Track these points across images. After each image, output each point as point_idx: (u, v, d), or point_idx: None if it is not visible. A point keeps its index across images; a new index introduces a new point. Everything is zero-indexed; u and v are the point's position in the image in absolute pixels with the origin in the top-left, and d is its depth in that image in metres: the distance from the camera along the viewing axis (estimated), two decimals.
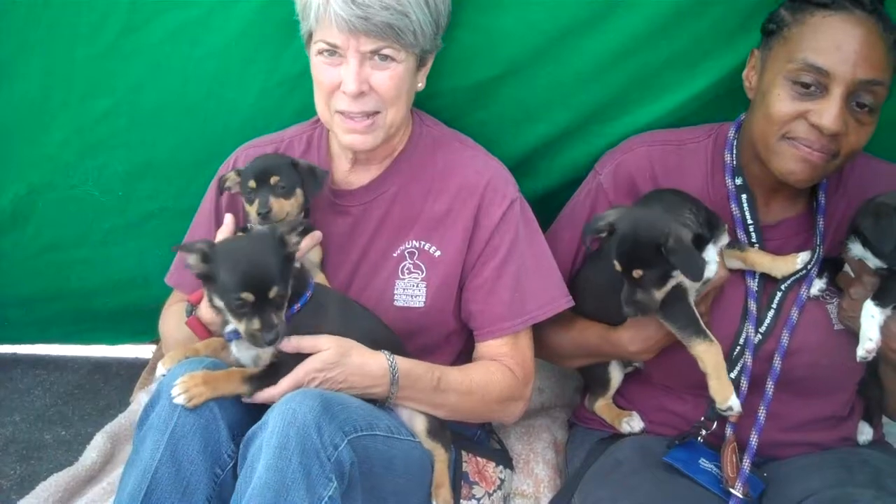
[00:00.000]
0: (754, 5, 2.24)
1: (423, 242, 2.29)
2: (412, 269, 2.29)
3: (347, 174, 2.34)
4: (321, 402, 1.89)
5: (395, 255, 2.30)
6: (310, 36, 2.16)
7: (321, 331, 2.05)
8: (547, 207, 2.45)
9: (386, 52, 2.10)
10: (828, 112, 2.02)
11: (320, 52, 2.13)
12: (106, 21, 2.45)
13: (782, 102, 2.07)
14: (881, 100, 2.05)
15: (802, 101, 2.05)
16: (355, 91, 2.10)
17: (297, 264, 2.03)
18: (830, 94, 2.02)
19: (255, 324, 1.90)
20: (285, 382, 1.99)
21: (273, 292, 1.89)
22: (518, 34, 2.33)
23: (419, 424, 2.19)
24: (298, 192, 2.19)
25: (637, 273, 2.04)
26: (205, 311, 2.12)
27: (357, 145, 2.21)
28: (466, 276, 2.30)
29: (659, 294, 2.08)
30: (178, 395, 1.91)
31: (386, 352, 2.12)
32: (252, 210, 2.16)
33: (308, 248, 2.20)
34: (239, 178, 2.22)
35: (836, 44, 2.01)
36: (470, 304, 2.30)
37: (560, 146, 2.56)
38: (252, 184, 2.16)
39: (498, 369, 2.27)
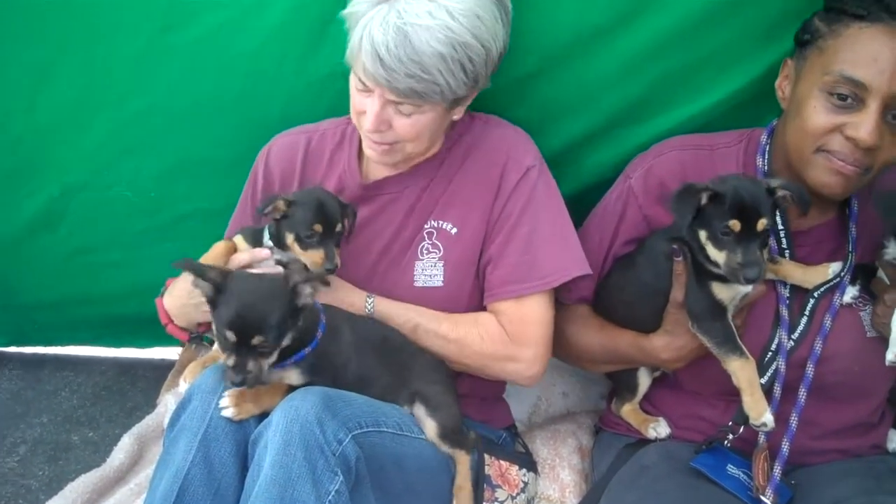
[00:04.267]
0: (783, 11, 2.24)
1: (440, 222, 2.30)
2: (430, 249, 2.30)
3: (378, 165, 2.35)
4: (322, 399, 1.90)
5: (415, 237, 2.31)
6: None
7: (338, 357, 2.09)
8: (575, 210, 2.44)
9: (406, 107, 2.11)
10: (864, 125, 2.00)
11: (356, 80, 2.15)
12: (143, 23, 2.48)
13: (818, 115, 2.06)
14: None
15: (838, 114, 2.03)
16: (373, 129, 2.13)
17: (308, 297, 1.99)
18: (867, 107, 2.00)
19: (231, 361, 1.89)
20: None
21: (256, 340, 1.87)
22: (545, 34, 2.34)
23: (430, 430, 2.17)
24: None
25: (762, 223, 2.01)
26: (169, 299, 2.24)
27: (375, 159, 2.26)
28: (484, 249, 2.30)
29: (766, 255, 2.09)
30: (227, 409, 1.93)
31: (370, 295, 2.23)
32: (312, 259, 2.13)
33: None
34: (287, 210, 2.15)
35: (872, 56, 1.99)
36: (485, 271, 2.30)
37: (587, 148, 2.57)
38: (318, 228, 2.13)
39: (486, 324, 2.27)
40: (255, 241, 2.26)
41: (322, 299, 2.11)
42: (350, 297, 2.24)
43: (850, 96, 2.01)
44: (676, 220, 2.10)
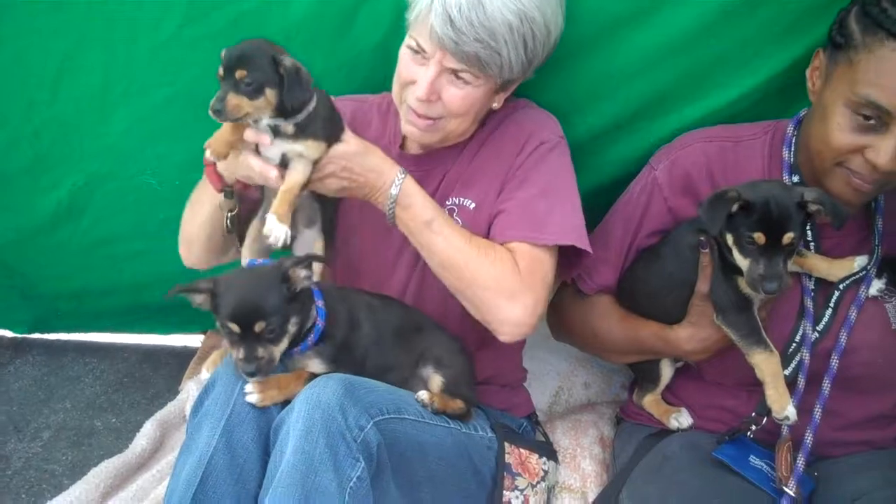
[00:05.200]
0: (807, 5, 2.22)
1: (461, 199, 2.29)
2: None
3: (413, 144, 2.35)
4: (344, 386, 1.91)
5: None
6: (408, 25, 2.17)
7: (358, 348, 2.10)
8: (597, 201, 2.45)
9: (464, 75, 2.11)
10: (884, 152, 1.97)
11: (409, 47, 2.14)
12: (166, 13, 2.48)
13: (842, 133, 2.03)
14: None
15: (861, 135, 2.00)
16: (424, 97, 2.11)
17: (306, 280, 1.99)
18: (889, 132, 1.97)
19: (239, 353, 1.90)
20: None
21: (258, 327, 1.88)
22: (569, 25, 2.29)
23: (435, 384, 2.18)
24: (269, 92, 1.97)
25: (788, 238, 2.00)
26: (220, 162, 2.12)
27: (413, 137, 2.24)
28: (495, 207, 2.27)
29: (791, 266, 2.08)
30: (251, 394, 1.95)
31: (401, 170, 2.13)
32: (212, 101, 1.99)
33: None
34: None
35: None
36: (493, 220, 2.24)
37: (608, 141, 2.55)
38: (220, 72, 1.97)
39: (502, 254, 2.13)
40: None
41: (355, 166, 2.07)
42: (382, 167, 2.12)
43: (874, 118, 1.98)
44: (707, 227, 2.10)
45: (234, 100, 1.94)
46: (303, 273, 1.96)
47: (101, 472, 2.64)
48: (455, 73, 2.11)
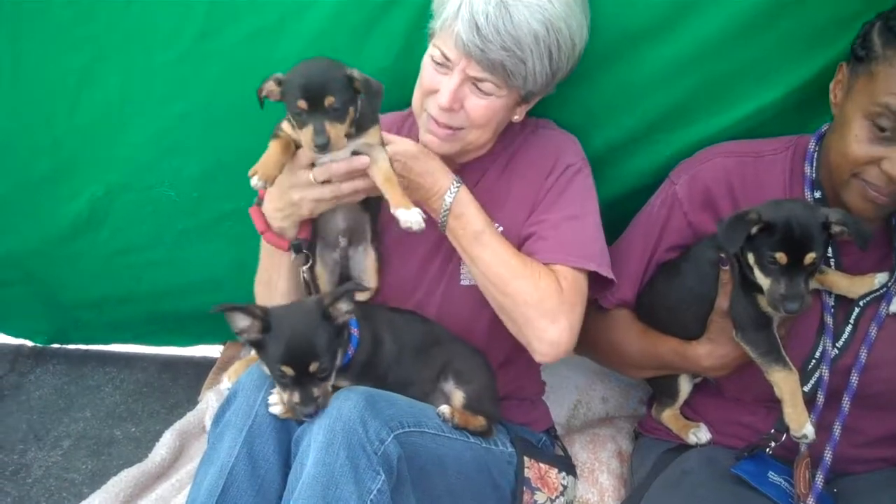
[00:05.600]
0: (827, 19, 2.21)
1: None
2: None
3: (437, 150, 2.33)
4: (365, 399, 1.91)
5: None
6: (432, 34, 2.19)
7: (381, 365, 2.10)
8: (615, 213, 2.45)
9: (487, 85, 2.11)
10: None
11: (432, 56, 2.15)
12: (182, 27, 2.51)
13: (859, 145, 2.03)
14: None
15: (879, 146, 2.00)
16: (446, 106, 2.11)
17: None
18: None
19: (295, 397, 1.90)
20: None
21: (313, 367, 1.88)
22: (587, 37, 2.32)
23: (457, 399, 2.17)
24: (351, 110, 1.96)
25: (810, 258, 1.99)
26: (267, 202, 2.13)
27: (432, 147, 2.22)
28: (525, 228, 2.27)
29: (812, 284, 2.07)
30: (276, 405, 1.96)
31: (457, 179, 2.15)
32: (304, 137, 1.94)
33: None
34: (280, 88, 1.96)
35: None
36: (527, 241, 2.25)
37: (626, 153, 2.55)
38: (302, 104, 1.91)
39: (546, 274, 2.14)
40: None
41: (414, 167, 2.10)
42: (438, 173, 2.15)
43: (890, 129, 1.97)
44: (725, 247, 2.09)
45: (332, 129, 1.91)
46: (343, 307, 1.95)
47: (121, 481, 2.65)
48: (477, 82, 2.11)
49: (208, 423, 2.72)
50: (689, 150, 2.41)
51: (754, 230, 2.02)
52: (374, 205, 2.21)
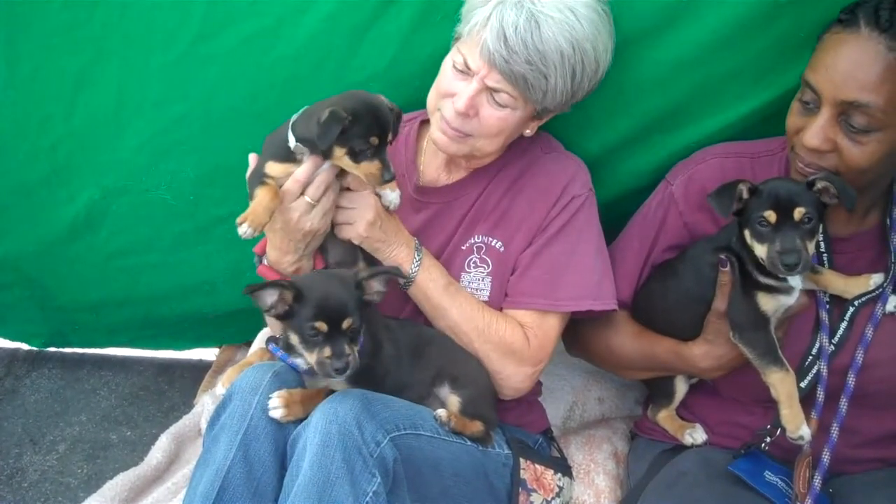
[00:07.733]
0: (821, 20, 2.20)
1: (489, 238, 2.31)
2: (478, 263, 2.31)
3: (438, 171, 2.37)
4: (361, 401, 1.92)
5: (463, 248, 2.32)
6: (458, 38, 2.20)
7: (379, 368, 2.10)
8: (611, 215, 2.46)
9: (503, 97, 2.13)
10: (810, 132, 2.02)
11: (454, 62, 2.16)
12: (179, 30, 2.51)
13: (792, 116, 2.10)
14: (879, 122, 1.97)
15: (803, 117, 2.06)
16: (463, 111, 2.13)
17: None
18: (819, 113, 2.01)
19: (326, 351, 1.91)
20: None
21: (346, 323, 1.90)
22: None
23: (453, 404, 2.17)
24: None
25: (799, 212, 2.01)
26: (271, 254, 2.16)
27: (440, 145, 2.24)
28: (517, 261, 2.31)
29: (811, 249, 2.08)
30: (276, 409, 1.95)
31: (420, 248, 2.23)
32: (368, 172, 2.03)
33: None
34: (347, 117, 1.99)
35: (828, 63, 1.99)
36: (512, 278, 2.30)
37: (624, 154, 2.55)
38: (374, 141, 2.01)
39: (513, 324, 2.26)
40: (285, 155, 2.11)
41: (377, 245, 2.15)
42: (399, 250, 2.19)
43: (810, 102, 2.03)
44: (717, 211, 2.11)
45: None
46: (376, 286, 1.99)
47: (117, 484, 2.65)
48: (494, 93, 2.12)
49: (204, 426, 2.72)
50: (686, 150, 2.42)
51: (744, 192, 2.06)
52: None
